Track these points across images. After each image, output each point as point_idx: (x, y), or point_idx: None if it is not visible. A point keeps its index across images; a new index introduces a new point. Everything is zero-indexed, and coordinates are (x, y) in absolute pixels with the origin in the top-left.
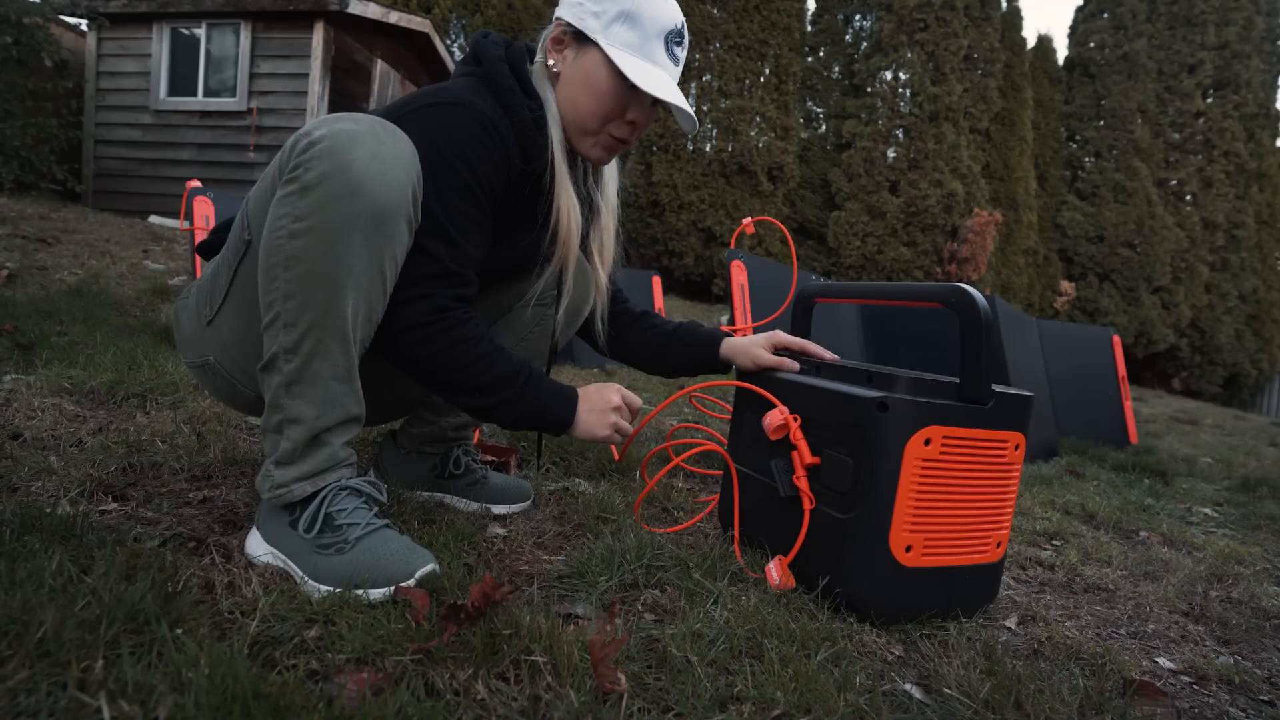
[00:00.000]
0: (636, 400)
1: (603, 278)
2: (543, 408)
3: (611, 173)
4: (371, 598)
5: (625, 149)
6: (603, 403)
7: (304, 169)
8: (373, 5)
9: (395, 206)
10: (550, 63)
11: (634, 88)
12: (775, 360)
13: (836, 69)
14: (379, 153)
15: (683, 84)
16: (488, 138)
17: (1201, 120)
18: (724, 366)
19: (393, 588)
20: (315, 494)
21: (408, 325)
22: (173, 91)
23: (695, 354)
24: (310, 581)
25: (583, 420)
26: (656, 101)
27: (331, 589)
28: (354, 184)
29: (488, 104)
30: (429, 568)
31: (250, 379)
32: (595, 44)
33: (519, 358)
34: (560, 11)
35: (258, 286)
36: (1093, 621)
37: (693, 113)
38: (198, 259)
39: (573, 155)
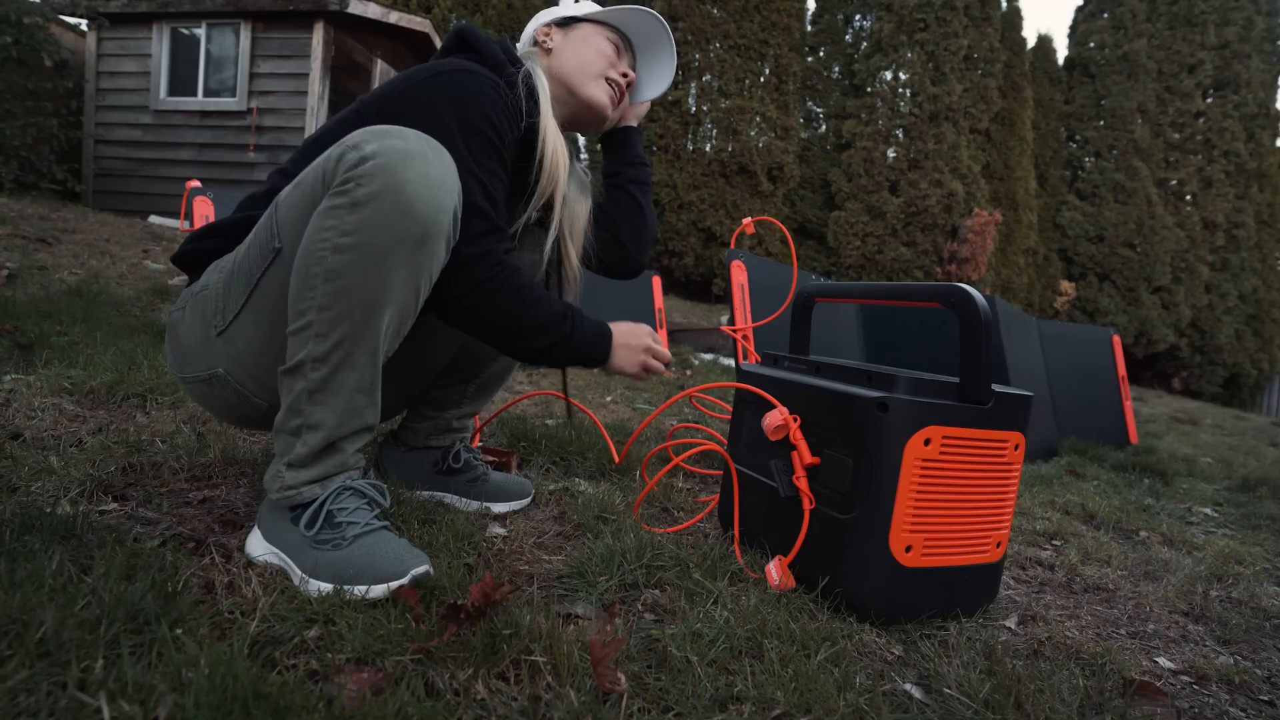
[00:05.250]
0: (665, 352)
1: (574, 260)
2: (588, 345)
3: (583, 199)
4: (372, 594)
5: (620, 107)
6: (635, 340)
7: (355, 184)
8: (373, 5)
9: (440, 228)
10: (541, 40)
11: (617, 50)
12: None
13: (836, 69)
14: (429, 174)
15: (683, 84)
16: (499, 96)
17: (1201, 120)
18: None
19: (389, 587)
20: (320, 495)
21: (473, 283)
22: (173, 91)
23: None
24: (305, 578)
25: (616, 355)
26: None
27: (326, 585)
28: (406, 205)
29: (489, 72)
30: (422, 568)
31: (264, 388)
32: (580, 20)
33: (559, 298)
34: (536, 22)
35: (288, 293)
36: (1093, 621)
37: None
38: None
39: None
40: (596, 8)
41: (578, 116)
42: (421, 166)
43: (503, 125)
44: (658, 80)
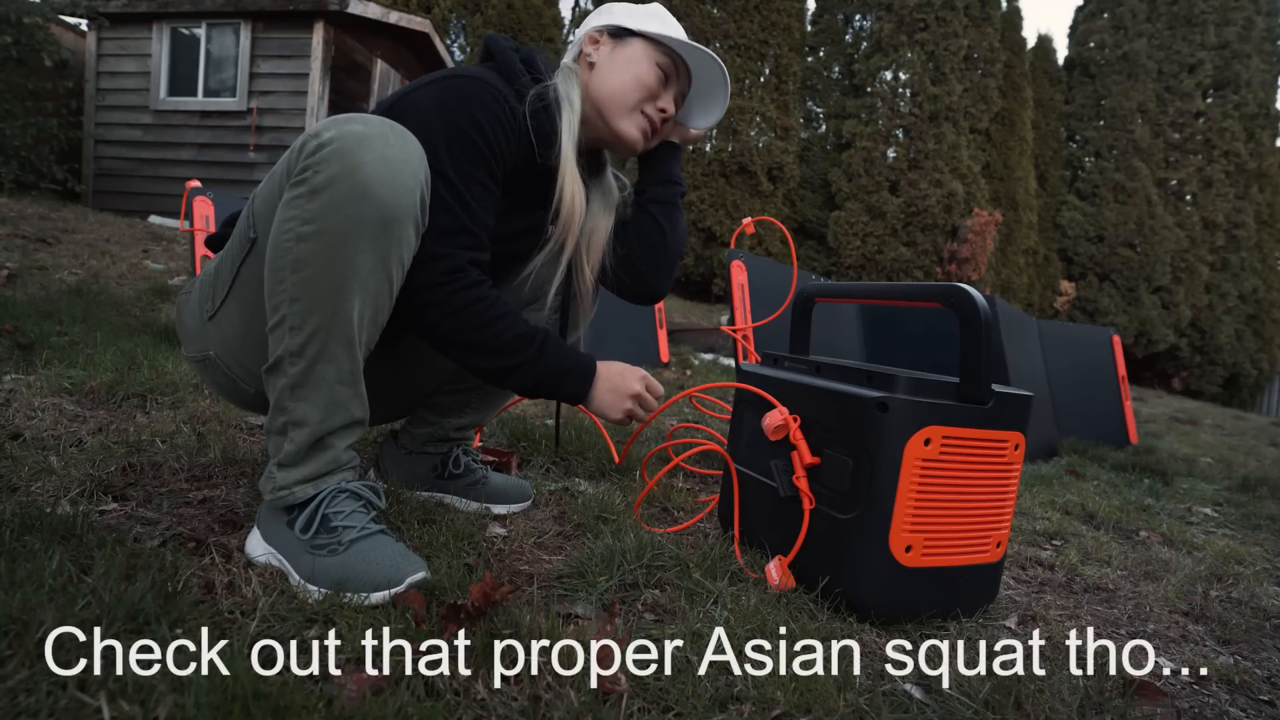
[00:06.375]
0: (659, 388)
1: (588, 276)
2: (559, 374)
3: (605, 214)
4: (371, 601)
5: (655, 138)
6: (623, 385)
7: (313, 171)
8: (373, 5)
9: (403, 210)
10: (586, 52)
11: (664, 78)
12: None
13: (836, 69)
14: (388, 155)
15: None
16: (499, 106)
17: (1201, 120)
18: None
19: (388, 594)
20: (315, 495)
21: (424, 285)
22: (173, 91)
23: None
24: (302, 582)
25: (598, 398)
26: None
27: (323, 590)
28: (363, 188)
29: (499, 81)
30: (420, 575)
31: (250, 375)
32: (634, 35)
33: (536, 323)
34: (591, 22)
35: (263, 286)
36: (1093, 621)
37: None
38: (198, 259)
39: (581, 156)
40: (658, 14)
41: (607, 141)
42: (380, 149)
43: (495, 134)
44: (709, 112)
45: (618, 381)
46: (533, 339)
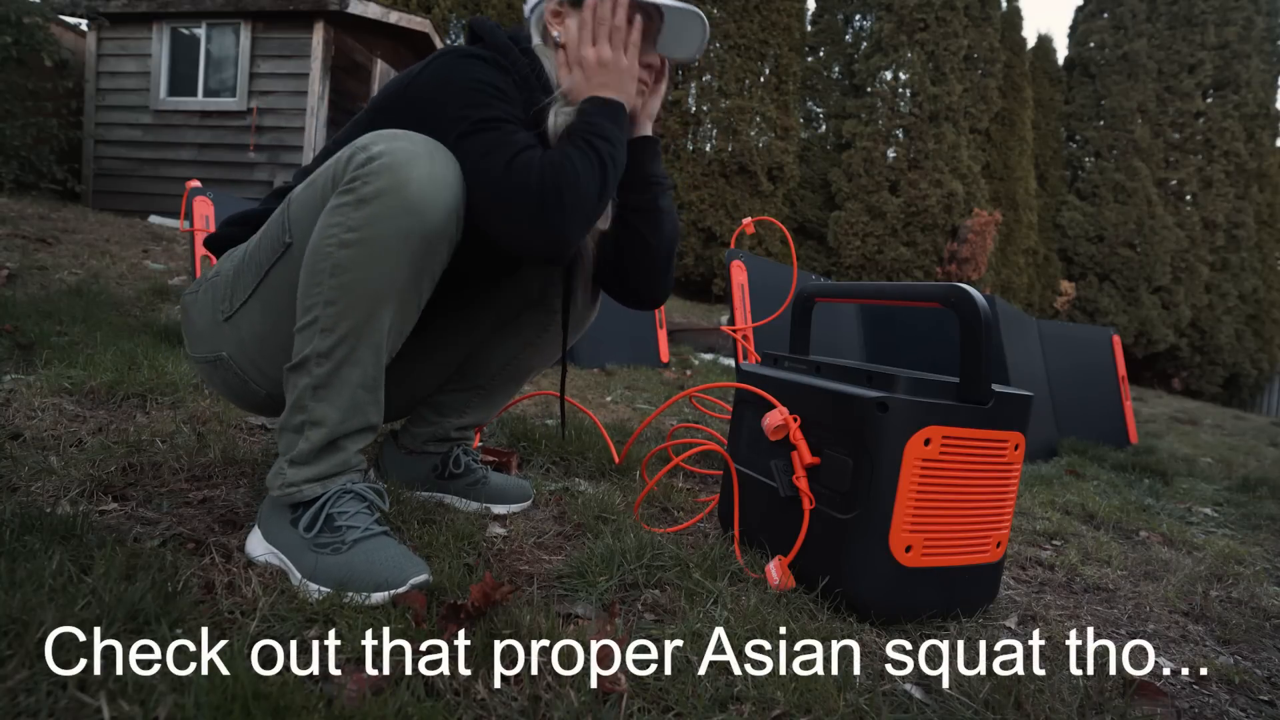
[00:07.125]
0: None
1: (589, 245)
2: (612, 131)
3: None
4: (372, 601)
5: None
6: (614, 80)
7: (362, 182)
8: (373, 5)
9: (443, 228)
10: (555, 34)
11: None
12: None
13: (836, 69)
14: (434, 174)
15: (683, 84)
16: (497, 70)
17: (1201, 120)
18: None
19: (389, 594)
20: (321, 495)
21: (532, 212)
22: (173, 91)
23: None
24: (304, 580)
25: (626, 98)
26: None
27: (325, 589)
28: (410, 202)
29: (491, 54)
30: (422, 577)
31: (265, 377)
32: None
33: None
34: None
35: (292, 290)
36: (1093, 621)
37: (704, 19)
38: (198, 258)
39: None
40: None
41: None
42: (427, 166)
43: (505, 83)
44: (685, 42)
45: (609, 75)
46: (586, 136)
